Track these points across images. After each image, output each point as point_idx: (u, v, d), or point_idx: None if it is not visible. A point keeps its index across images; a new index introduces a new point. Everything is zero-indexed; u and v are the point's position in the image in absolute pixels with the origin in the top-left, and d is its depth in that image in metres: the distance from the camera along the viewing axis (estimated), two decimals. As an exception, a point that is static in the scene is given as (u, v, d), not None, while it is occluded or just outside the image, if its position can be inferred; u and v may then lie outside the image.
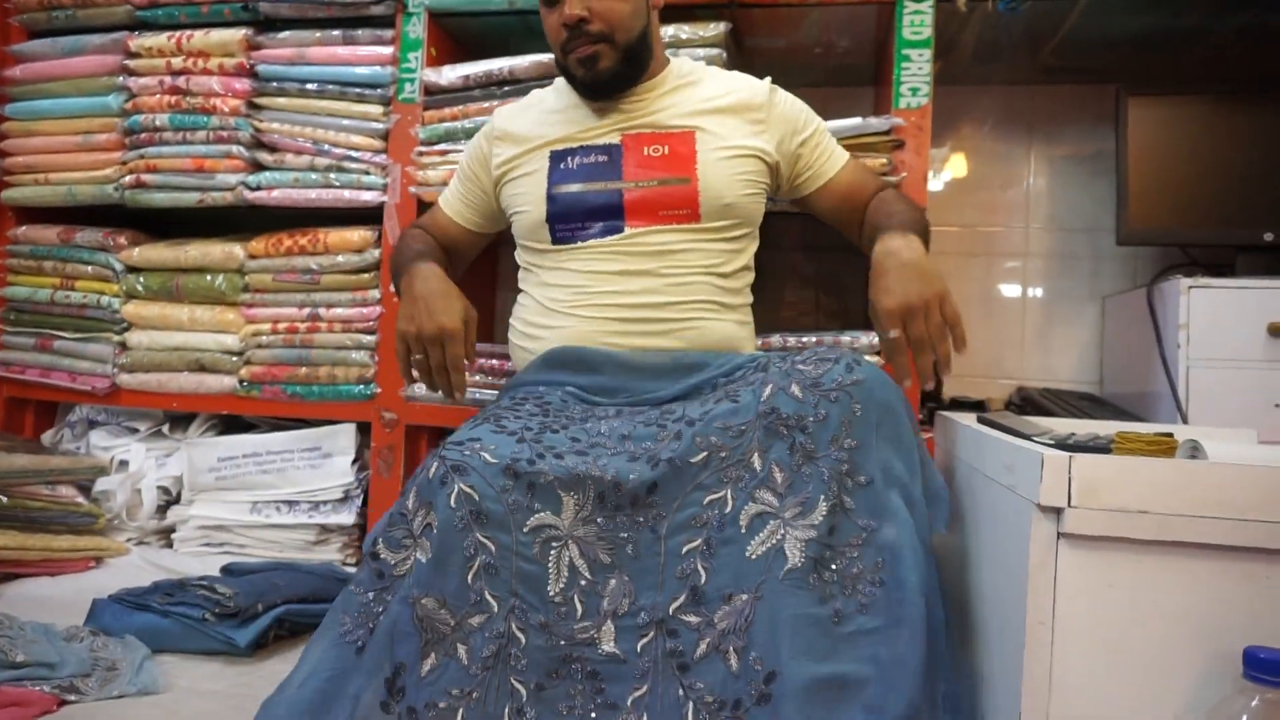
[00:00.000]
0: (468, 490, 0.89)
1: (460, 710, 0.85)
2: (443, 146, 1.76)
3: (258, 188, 1.84)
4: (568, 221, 1.26)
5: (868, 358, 1.07)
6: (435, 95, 1.78)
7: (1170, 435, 0.91)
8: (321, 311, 1.83)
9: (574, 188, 1.26)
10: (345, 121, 1.81)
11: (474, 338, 1.22)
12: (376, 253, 1.81)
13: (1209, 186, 1.74)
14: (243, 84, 1.84)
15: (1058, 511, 0.75)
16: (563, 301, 1.24)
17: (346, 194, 1.80)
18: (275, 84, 1.85)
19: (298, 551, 1.79)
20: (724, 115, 1.28)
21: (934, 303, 1.02)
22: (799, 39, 1.84)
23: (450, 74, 1.76)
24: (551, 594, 0.89)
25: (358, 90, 1.80)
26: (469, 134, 1.72)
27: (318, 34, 1.81)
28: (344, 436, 1.83)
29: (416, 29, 1.78)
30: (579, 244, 1.25)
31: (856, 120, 1.60)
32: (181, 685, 1.22)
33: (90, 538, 1.74)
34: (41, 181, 1.96)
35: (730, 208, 1.25)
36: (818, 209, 1.37)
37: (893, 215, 1.19)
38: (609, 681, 0.87)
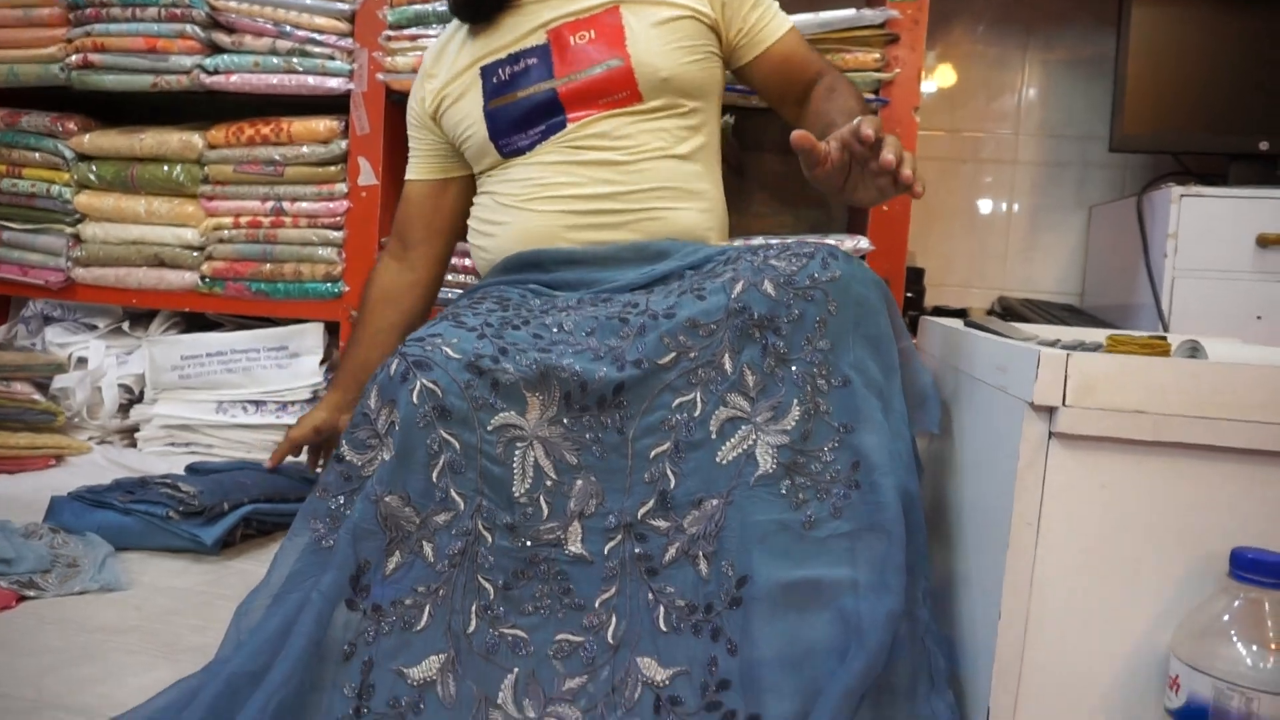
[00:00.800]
0: (430, 386, 0.86)
1: (427, 607, 0.83)
2: (413, 31, 1.66)
3: (215, 71, 1.73)
4: (510, 134, 1.23)
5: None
6: (404, -26, 1.67)
7: (1164, 338, 0.89)
8: (286, 205, 1.76)
9: (509, 98, 1.22)
10: (308, 1, 1.69)
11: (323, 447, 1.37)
12: (343, 144, 1.72)
13: (1206, 93, 1.69)
14: (195, -44, 1.71)
15: (1050, 411, 0.73)
16: (515, 196, 1.21)
17: (310, 80, 1.70)
18: (230, -43, 1.72)
19: (265, 453, 1.76)
20: None
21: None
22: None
23: (419, -50, 1.64)
24: (517, 494, 0.87)
25: (320, -34, 1.68)
26: (441, 18, 1.62)
27: (275, -98, 1.68)
28: (311, 336, 1.78)
29: (383, -101, 1.65)
30: (527, 153, 1.22)
31: (850, 12, 1.53)
32: (145, 581, 1.20)
33: (50, 435, 1.69)
34: (-20, 60, 1.84)
35: (670, 81, 1.19)
36: (754, 81, 1.30)
37: (851, 114, 1.12)
38: (576, 582, 0.86)
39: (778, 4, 1.29)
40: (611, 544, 0.88)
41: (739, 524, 0.84)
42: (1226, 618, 0.67)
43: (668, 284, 1.03)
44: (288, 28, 1.70)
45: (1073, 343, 0.94)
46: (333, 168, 1.73)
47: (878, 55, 1.52)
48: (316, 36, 1.69)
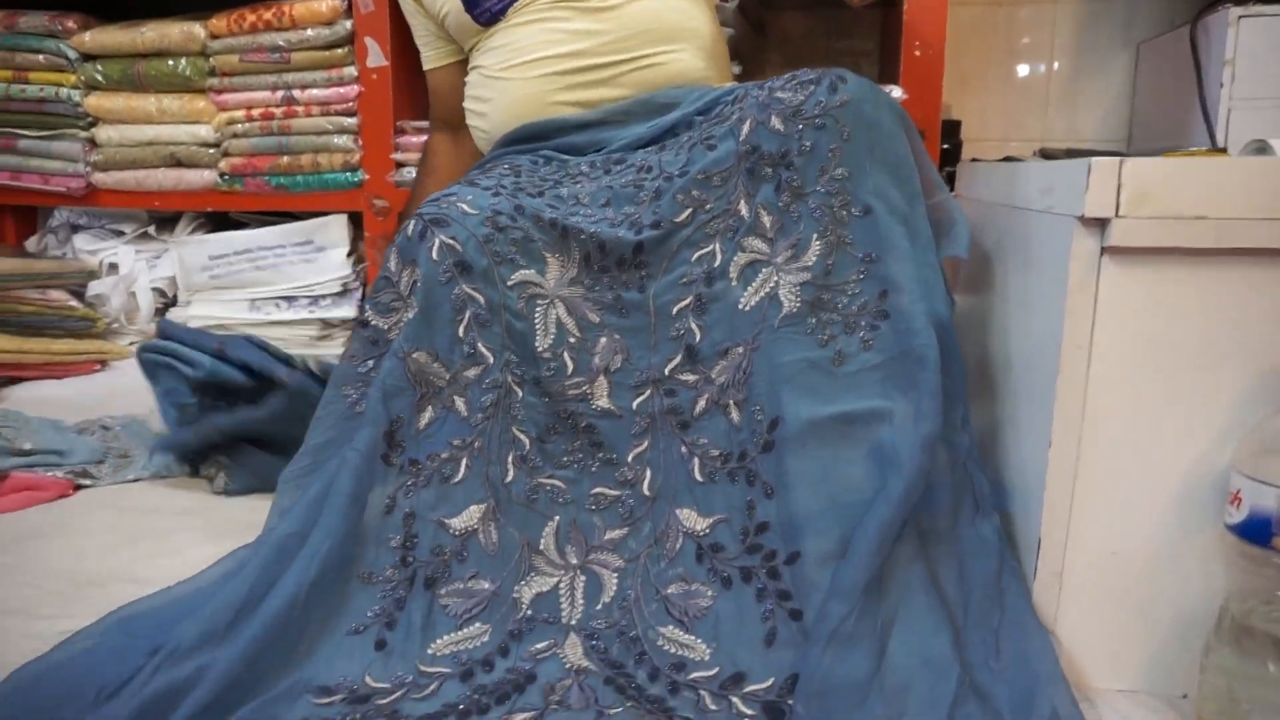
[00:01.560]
0: (449, 242, 0.86)
1: (464, 459, 0.84)
2: (409, -106, 1.56)
3: (209, -46, 1.66)
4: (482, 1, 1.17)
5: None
6: None
7: (1224, 150, 0.83)
8: (296, 94, 1.71)
9: None
10: None
11: None
12: (348, 24, 1.66)
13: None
14: None
15: (1102, 224, 0.69)
16: (497, 65, 1.17)
17: (307, -44, 1.62)
18: None
19: (303, 348, 1.75)
20: None
21: None
22: None
23: None
24: (540, 349, 0.86)
25: None
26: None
27: None
28: (335, 228, 1.75)
29: None
30: (505, 19, 1.16)
31: None
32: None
33: (91, 341, 1.71)
34: (-28, -39, 1.78)
35: None
36: None
37: None
38: (607, 436, 0.86)
39: None
40: (640, 399, 0.87)
41: (767, 368, 0.83)
42: (1290, 430, 0.64)
43: (678, 136, 1.00)
44: (280, -99, 1.62)
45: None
46: (340, 50, 1.66)
47: (907, -118, 1.41)
48: (310, -92, 1.60)
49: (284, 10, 1.65)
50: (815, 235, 0.84)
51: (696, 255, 0.88)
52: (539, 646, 0.77)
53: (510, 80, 1.15)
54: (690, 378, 0.87)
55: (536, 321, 0.87)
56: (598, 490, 0.86)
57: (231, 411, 1.19)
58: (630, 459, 0.86)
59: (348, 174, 1.70)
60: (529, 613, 0.79)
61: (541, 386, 0.87)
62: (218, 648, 0.71)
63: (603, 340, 0.88)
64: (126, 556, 0.93)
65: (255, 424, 1.18)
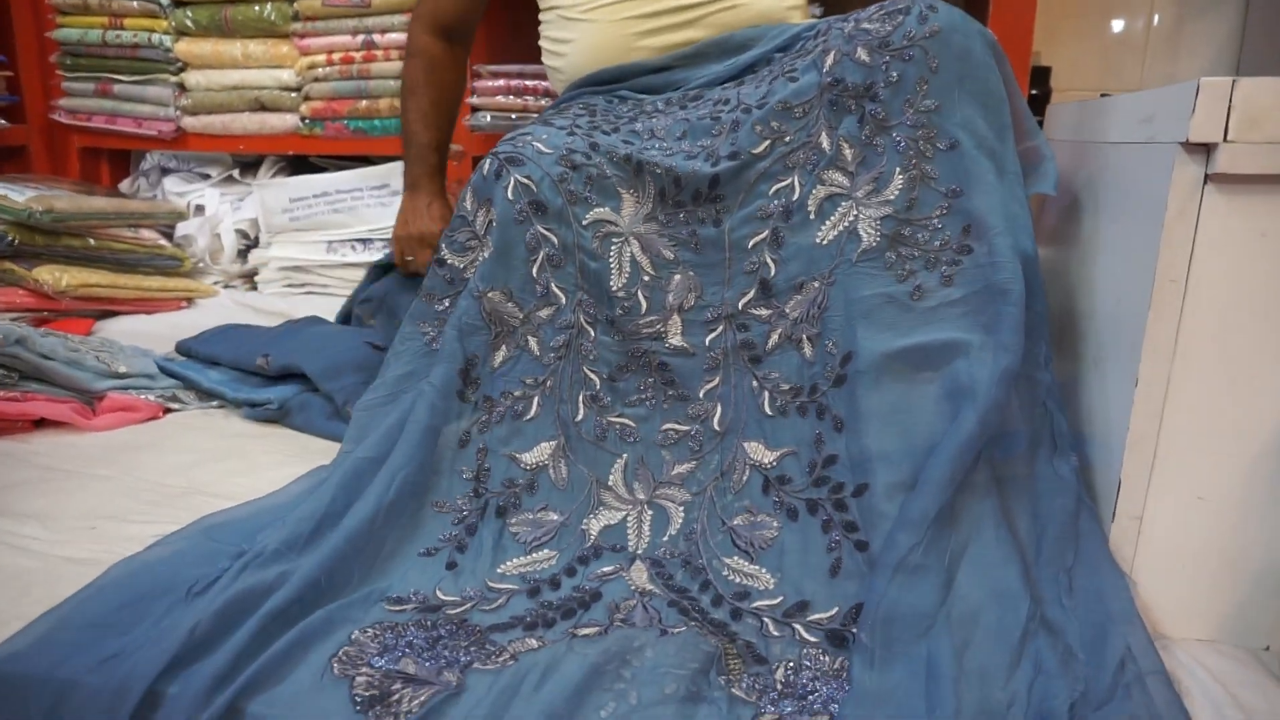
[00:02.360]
0: (524, 181, 0.87)
1: (535, 398, 0.86)
2: None
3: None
4: None
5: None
6: None
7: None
8: (376, 39, 1.74)
9: None
10: None
11: None
12: (426, -34, 1.66)
13: None
14: None
15: (1208, 150, 0.65)
16: (579, 7, 1.14)
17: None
18: None
19: None
20: None
21: None
22: None
23: None
24: (614, 289, 0.87)
25: None
26: None
27: None
28: None
29: None
30: None
31: None
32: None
33: (179, 279, 1.77)
34: (71, -92, 1.84)
35: None
36: None
37: None
38: (679, 374, 0.86)
39: None
40: (713, 335, 0.87)
41: (842, 302, 0.82)
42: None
43: (757, 72, 0.98)
44: None
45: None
46: (418, -7, 1.67)
47: None
48: None
49: (365, -46, 1.67)
50: (898, 169, 0.82)
51: (774, 188, 0.87)
52: (605, 570, 0.78)
53: (593, 22, 1.14)
54: (764, 312, 0.86)
55: (611, 260, 0.88)
56: (667, 427, 0.87)
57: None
58: (701, 394, 0.86)
59: None
60: (597, 542, 0.81)
61: (614, 326, 0.88)
62: (299, 556, 0.74)
63: (676, 277, 0.88)
64: (213, 473, 0.98)
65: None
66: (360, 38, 1.74)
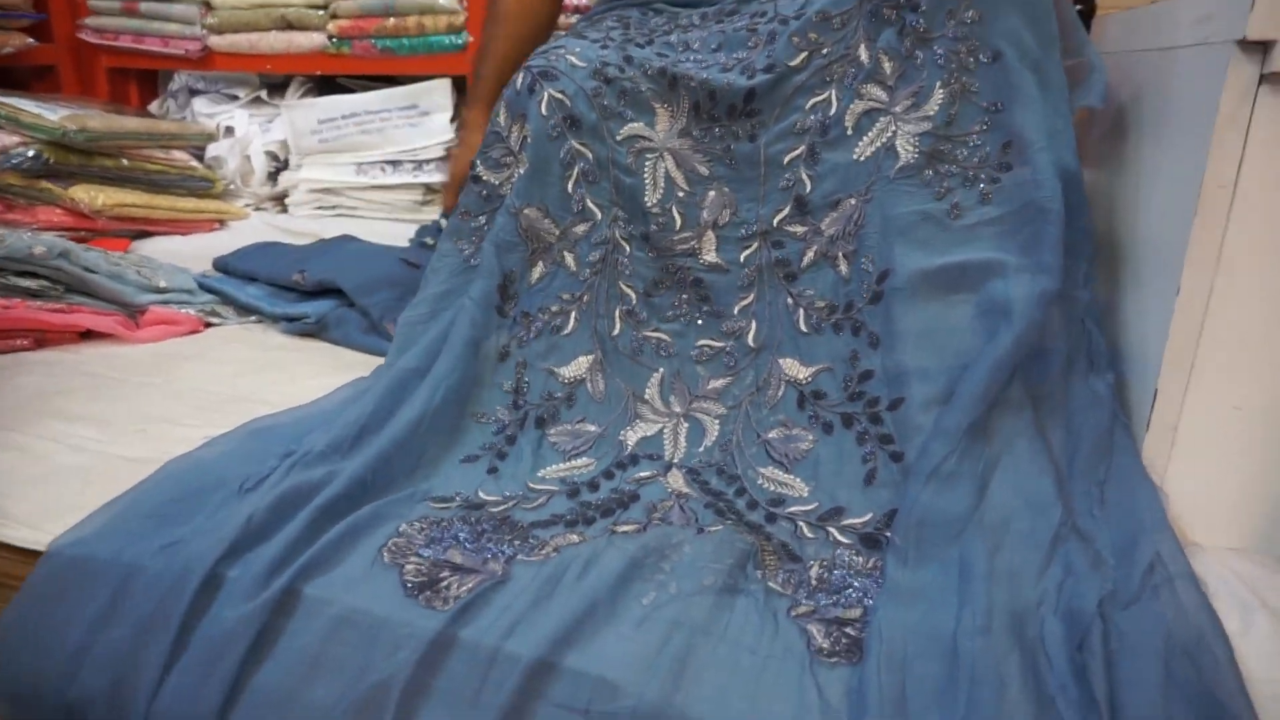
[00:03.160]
0: (557, 96, 0.86)
1: (573, 313, 0.87)
2: None
3: None
4: None
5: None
6: None
7: None
8: None
9: None
10: None
11: None
12: (453, -123, 1.62)
13: None
14: None
15: (1265, 48, 0.64)
16: None
17: None
18: None
19: (406, 212, 1.81)
20: None
21: None
22: None
23: None
24: (649, 205, 0.87)
25: None
26: None
27: None
28: (439, 92, 1.77)
29: None
30: None
31: None
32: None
33: (211, 201, 1.78)
34: None
35: None
36: None
37: None
38: (714, 290, 0.87)
39: None
40: (747, 251, 0.87)
41: (879, 219, 0.81)
42: None
43: None
44: None
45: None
46: (446, -94, 1.64)
47: None
48: None
49: None
50: (939, 83, 0.80)
51: (811, 103, 0.85)
52: (643, 475, 0.80)
53: None
54: (799, 229, 0.86)
55: (645, 176, 0.87)
56: (703, 343, 0.87)
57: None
58: (736, 311, 0.87)
59: (452, 37, 1.71)
60: (634, 451, 0.82)
61: (649, 242, 0.88)
62: (344, 458, 0.76)
63: (711, 194, 0.88)
64: (255, 382, 1.00)
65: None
66: (386, -47, 1.71)
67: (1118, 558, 0.65)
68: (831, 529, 0.73)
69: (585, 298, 0.87)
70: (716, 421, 0.84)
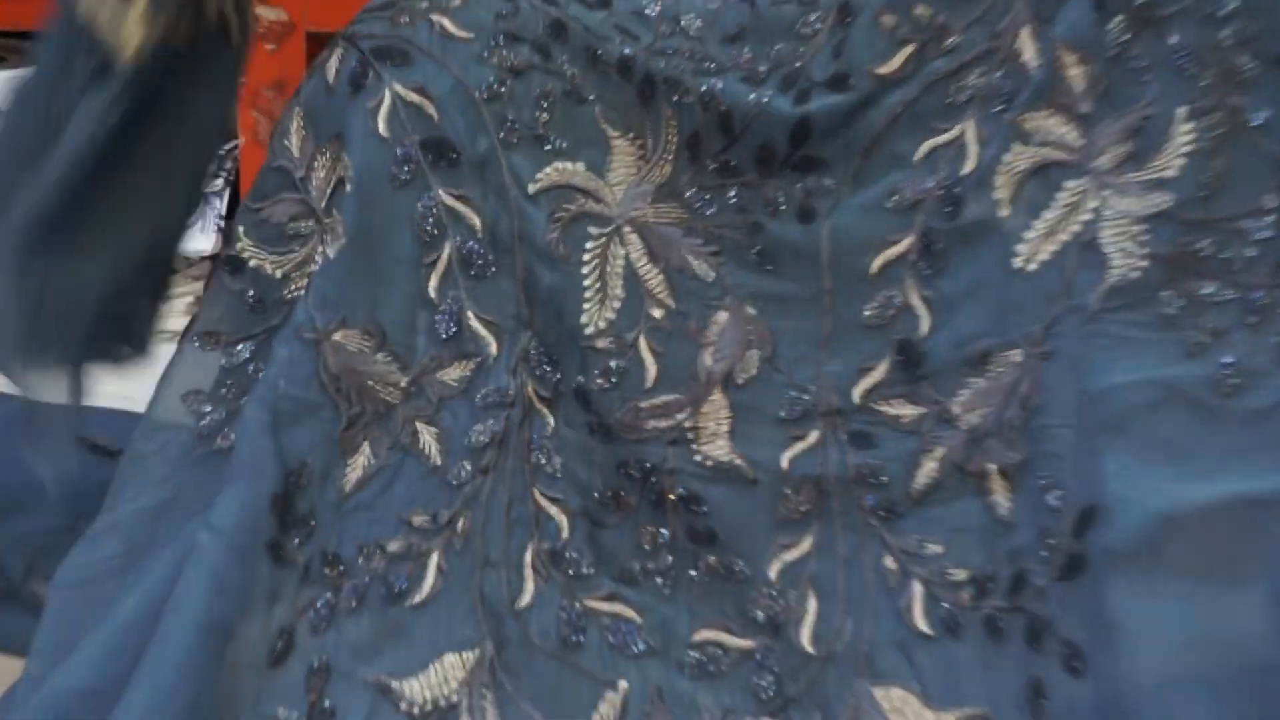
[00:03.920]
0: (413, 99, 0.59)
1: (434, 557, 0.56)
2: None
3: None
4: None
5: None
6: None
7: None
8: None
9: None
10: None
11: None
12: None
13: None
14: None
15: None
16: None
17: None
18: None
19: None
20: None
21: None
22: None
23: None
24: (589, 330, 0.59)
25: None
26: None
27: None
28: None
29: None
30: None
31: None
32: None
33: None
34: None
35: None
36: None
37: None
38: (725, 522, 0.57)
39: None
40: (799, 448, 0.57)
41: (1072, 396, 0.52)
42: None
43: None
44: None
45: None
46: None
47: None
48: None
49: None
50: (1182, 110, 0.52)
51: (927, 147, 0.56)
52: None
53: None
54: (907, 411, 0.56)
55: (586, 270, 0.59)
56: (705, 635, 0.56)
57: None
58: (774, 573, 0.56)
59: None
60: None
61: (592, 407, 0.58)
62: None
63: (723, 318, 0.58)
64: None
65: None
66: None
67: None
68: None
69: (461, 523, 0.57)
70: None
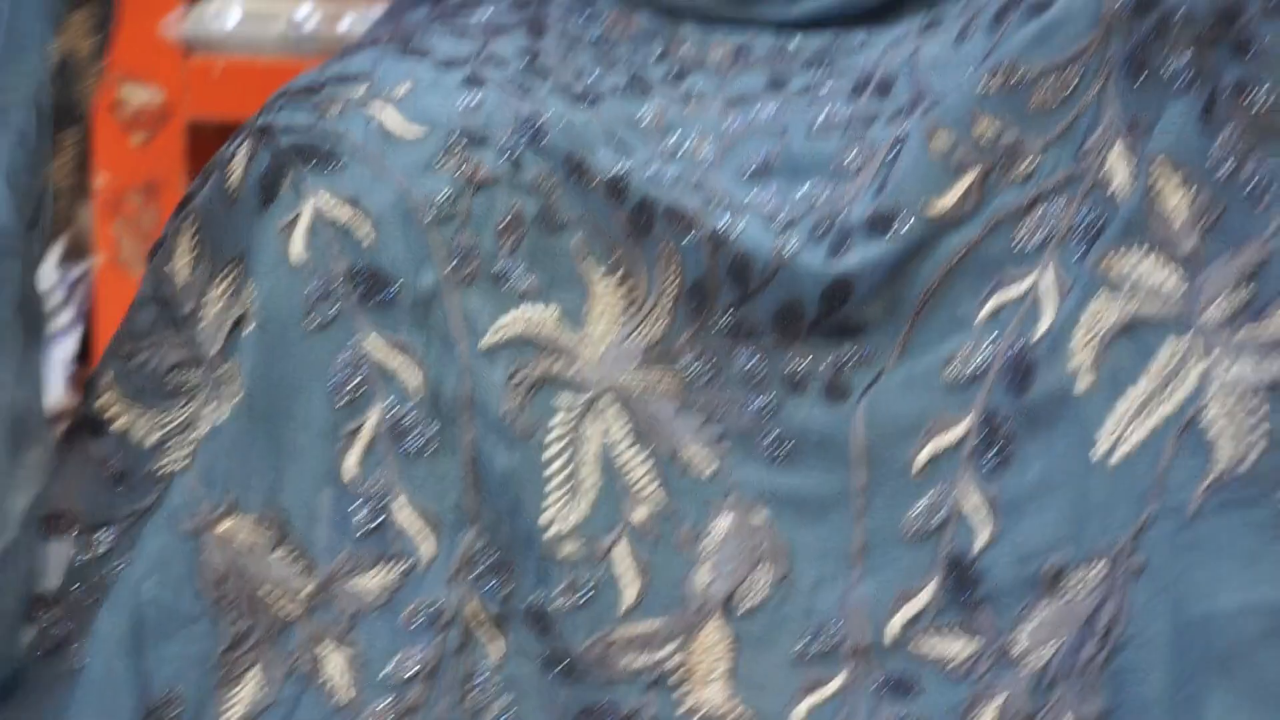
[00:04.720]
0: (338, 216, 0.49)
1: None
2: None
3: None
4: None
5: None
6: None
7: None
8: None
9: None
10: None
11: None
12: None
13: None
14: None
15: None
16: None
17: None
18: None
19: None
20: None
21: None
22: None
23: None
24: (551, 531, 0.50)
25: None
26: None
27: None
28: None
29: None
30: None
31: None
32: None
33: None
34: None
35: None
36: None
37: None
38: None
39: None
40: (818, 697, 0.49)
41: (1165, 626, 0.44)
42: None
43: None
44: None
45: None
46: None
47: None
48: None
49: None
50: None
51: (990, 305, 0.48)
52: None
53: None
54: (957, 648, 0.47)
55: (552, 452, 0.50)
56: None
57: None
58: None
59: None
60: None
61: (551, 633, 0.49)
62: None
63: (724, 522, 0.50)
64: None
65: None
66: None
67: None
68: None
69: None
70: None
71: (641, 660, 0.49)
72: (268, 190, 0.49)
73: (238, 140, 0.49)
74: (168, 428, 0.50)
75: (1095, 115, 0.47)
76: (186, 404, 0.50)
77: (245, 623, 0.49)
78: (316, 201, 0.48)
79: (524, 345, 0.49)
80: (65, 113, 0.51)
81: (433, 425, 0.49)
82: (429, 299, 0.48)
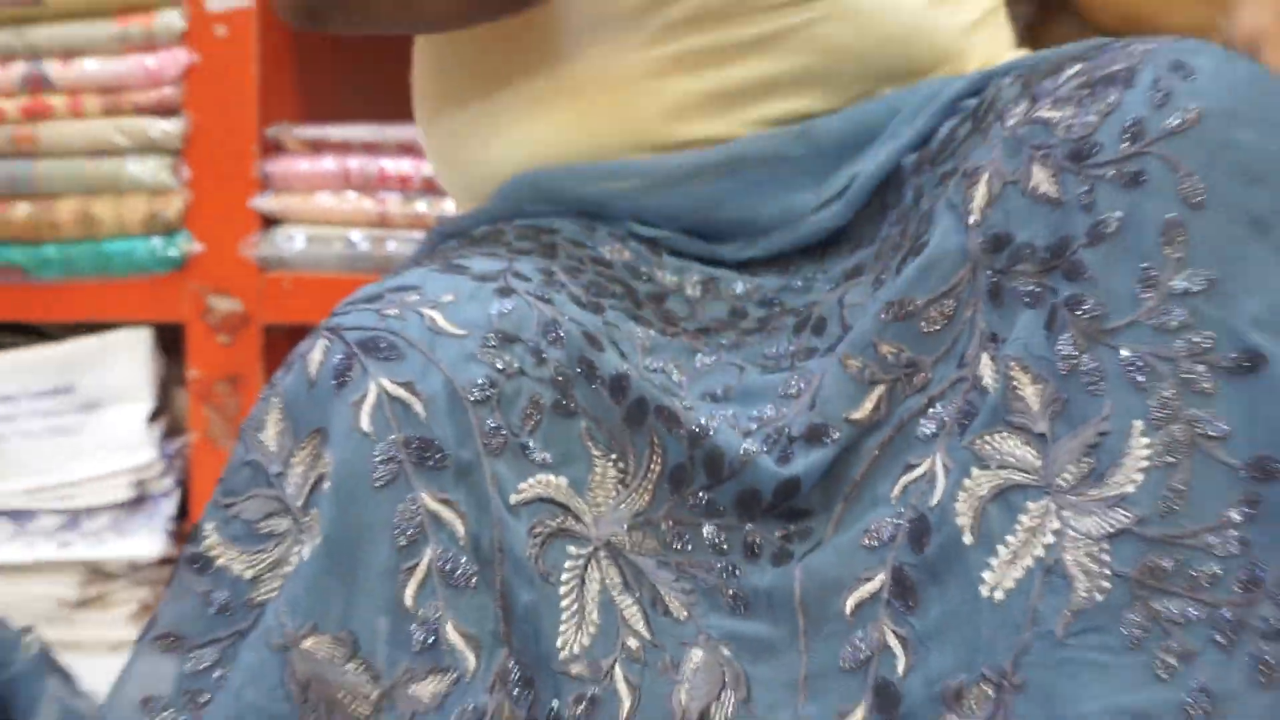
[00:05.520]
0: (400, 396, 0.58)
1: None
2: None
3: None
4: None
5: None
6: None
7: None
8: (52, 70, 1.13)
9: None
10: None
11: None
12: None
13: None
14: None
15: None
16: (540, 51, 0.75)
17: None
18: None
19: (46, 625, 1.05)
20: None
21: None
22: None
23: None
24: (563, 654, 0.57)
25: None
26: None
27: None
28: (127, 360, 1.17)
29: None
30: None
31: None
32: None
33: None
34: None
35: None
36: None
37: None
38: None
39: None
40: None
41: None
42: None
43: (888, 211, 0.68)
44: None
45: None
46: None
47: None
48: None
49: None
50: (1138, 425, 0.53)
51: (898, 486, 0.58)
52: None
53: (565, 86, 0.73)
54: None
55: (564, 590, 0.58)
56: None
57: None
58: None
59: (158, 241, 1.15)
60: None
61: None
62: None
63: (696, 655, 0.58)
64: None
65: None
66: (22, 67, 1.13)
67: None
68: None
69: None
70: None
71: None
72: (340, 375, 0.58)
73: (315, 338, 0.60)
74: (260, 565, 0.59)
75: (970, 332, 0.58)
76: (276, 546, 0.60)
77: (321, 715, 0.57)
78: (380, 384, 0.57)
79: (542, 505, 0.57)
80: None
81: (473, 566, 0.56)
82: (469, 465, 0.57)
